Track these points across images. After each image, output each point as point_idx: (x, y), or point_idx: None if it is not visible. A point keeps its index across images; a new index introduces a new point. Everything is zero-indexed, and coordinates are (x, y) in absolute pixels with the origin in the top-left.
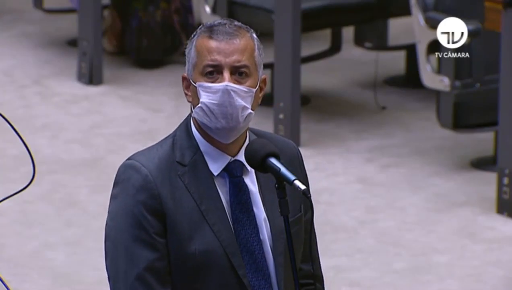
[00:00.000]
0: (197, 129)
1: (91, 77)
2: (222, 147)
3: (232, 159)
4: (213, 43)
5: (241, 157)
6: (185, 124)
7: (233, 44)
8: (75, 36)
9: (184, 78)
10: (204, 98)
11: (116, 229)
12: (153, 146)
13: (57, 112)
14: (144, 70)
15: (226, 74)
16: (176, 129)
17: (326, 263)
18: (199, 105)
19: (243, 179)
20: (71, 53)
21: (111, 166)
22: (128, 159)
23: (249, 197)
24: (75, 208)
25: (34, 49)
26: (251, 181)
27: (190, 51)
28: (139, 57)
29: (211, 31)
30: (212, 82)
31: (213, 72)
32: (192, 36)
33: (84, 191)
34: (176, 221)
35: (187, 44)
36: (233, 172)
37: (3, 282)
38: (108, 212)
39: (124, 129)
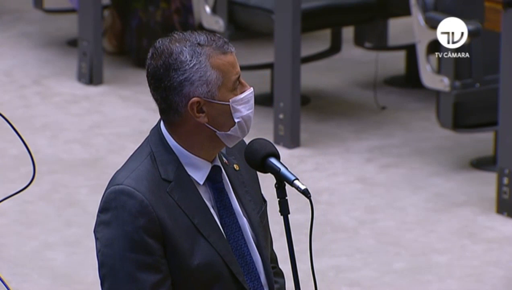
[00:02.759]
0: (177, 142)
1: (91, 77)
2: (206, 155)
3: (212, 165)
4: (230, 57)
5: (217, 162)
6: (159, 139)
7: (235, 52)
8: (75, 36)
9: (195, 103)
10: (244, 110)
11: (115, 256)
12: (133, 166)
13: (57, 112)
14: (144, 70)
15: (243, 81)
16: (149, 145)
17: (326, 263)
18: (238, 120)
19: (223, 183)
20: (71, 53)
21: (111, 166)
22: (116, 184)
23: (229, 200)
24: (75, 208)
25: (34, 49)
26: (225, 182)
27: (206, 74)
28: (139, 57)
29: (219, 47)
30: (237, 94)
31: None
32: (188, 61)
33: (84, 191)
34: (176, 240)
35: (175, 72)
36: (215, 178)
37: (3, 282)
38: (99, 238)
39: (124, 129)
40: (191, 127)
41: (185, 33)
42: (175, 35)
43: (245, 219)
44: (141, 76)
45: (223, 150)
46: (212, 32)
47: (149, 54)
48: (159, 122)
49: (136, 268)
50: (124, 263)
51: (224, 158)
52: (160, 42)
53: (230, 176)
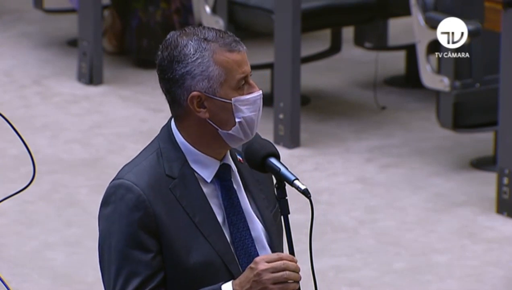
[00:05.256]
0: (185, 139)
1: (91, 77)
2: (213, 154)
3: (221, 163)
4: (237, 56)
5: (227, 160)
6: (168, 136)
7: (245, 52)
8: (75, 36)
9: (195, 97)
10: (246, 112)
11: (110, 249)
12: (137, 161)
13: (57, 112)
14: (144, 70)
15: (252, 82)
16: (158, 142)
17: (326, 263)
18: (239, 120)
19: (232, 182)
20: (71, 53)
21: (111, 166)
22: (117, 178)
23: (238, 198)
24: (75, 208)
25: (34, 49)
26: (235, 181)
27: (208, 69)
28: (139, 57)
29: (226, 44)
30: (242, 94)
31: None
32: (192, 55)
33: (84, 191)
34: (172, 237)
35: (177, 65)
36: (224, 176)
37: (3, 282)
38: (100, 231)
39: (124, 129)
40: (195, 121)
41: (196, 28)
42: (186, 29)
43: (256, 218)
44: (141, 76)
45: (240, 148)
46: (224, 31)
47: (160, 46)
48: (170, 120)
49: (129, 262)
50: (118, 257)
51: (238, 156)
52: (171, 34)
53: (244, 174)
